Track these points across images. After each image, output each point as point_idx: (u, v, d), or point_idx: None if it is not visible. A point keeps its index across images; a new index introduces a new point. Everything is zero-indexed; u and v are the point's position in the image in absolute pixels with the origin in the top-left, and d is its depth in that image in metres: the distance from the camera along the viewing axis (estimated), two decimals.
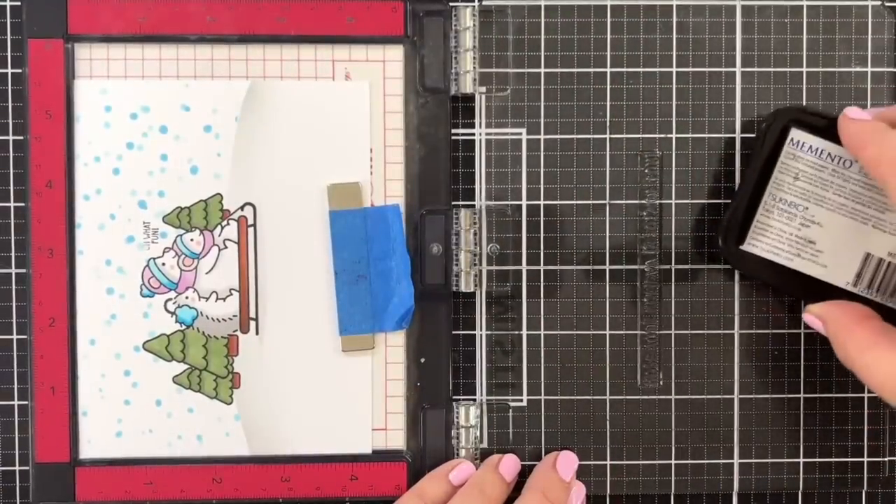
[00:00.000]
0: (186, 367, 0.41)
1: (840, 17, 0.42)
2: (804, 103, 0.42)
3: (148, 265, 0.41)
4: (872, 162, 0.36)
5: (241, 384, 0.41)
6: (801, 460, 0.42)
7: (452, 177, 0.41)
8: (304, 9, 0.40)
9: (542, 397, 0.42)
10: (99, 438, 0.41)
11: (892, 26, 0.42)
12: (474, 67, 0.41)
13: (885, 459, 0.42)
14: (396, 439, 0.42)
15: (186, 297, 0.41)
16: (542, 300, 0.42)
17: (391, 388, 0.42)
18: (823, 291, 0.40)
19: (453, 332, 0.41)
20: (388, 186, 0.41)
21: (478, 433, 0.41)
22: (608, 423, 0.42)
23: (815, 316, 0.38)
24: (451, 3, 0.41)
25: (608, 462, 0.42)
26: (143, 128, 0.41)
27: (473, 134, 0.42)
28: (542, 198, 0.42)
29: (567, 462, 0.41)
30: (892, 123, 0.37)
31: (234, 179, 0.41)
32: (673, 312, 0.42)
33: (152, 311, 0.41)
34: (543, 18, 0.41)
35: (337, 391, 0.41)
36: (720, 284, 0.42)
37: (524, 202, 0.42)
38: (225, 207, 0.41)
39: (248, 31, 0.40)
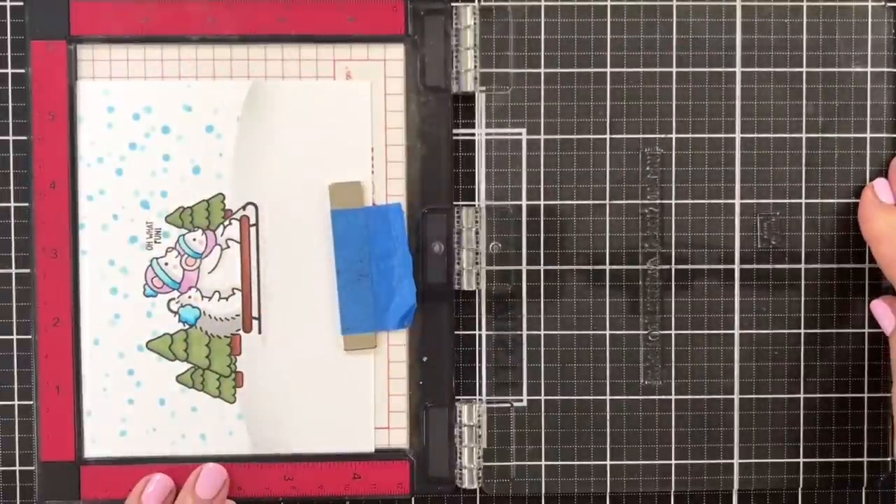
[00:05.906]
0: (190, 366, 0.41)
1: (840, 17, 0.41)
2: (804, 103, 0.42)
3: (151, 265, 0.41)
4: (885, 260, 0.38)
5: (243, 383, 0.41)
6: (801, 460, 0.42)
7: (454, 176, 0.41)
8: (304, 8, 0.40)
9: (543, 397, 0.42)
10: (103, 437, 0.41)
11: (892, 26, 0.41)
12: (475, 66, 0.41)
13: (886, 459, 0.42)
14: (399, 438, 0.42)
15: (189, 297, 0.41)
16: (542, 300, 0.42)
17: (393, 387, 0.42)
18: None
19: (454, 332, 0.42)
20: (389, 185, 0.41)
21: (480, 432, 0.41)
22: (608, 423, 0.42)
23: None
24: (451, 2, 0.41)
25: (608, 462, 0.42)
26: (146, 128, 0.41)
27: (473, 134, 0.42)
28: (542, 198, 0.41)
29: (208, 478, 0.40)
30: None
31: (235, 179, 0.41)
32: (673, 312, 0.42)
33: (155, 311, 0.41)
34: (543, 18, 0.41)
35: (339, 390, 0.41)
36: (720, 284, 0.42)
37: (524, 202, 0.42)
38: (227, 207, 0.41)
39: (249, 31, 0.40)
